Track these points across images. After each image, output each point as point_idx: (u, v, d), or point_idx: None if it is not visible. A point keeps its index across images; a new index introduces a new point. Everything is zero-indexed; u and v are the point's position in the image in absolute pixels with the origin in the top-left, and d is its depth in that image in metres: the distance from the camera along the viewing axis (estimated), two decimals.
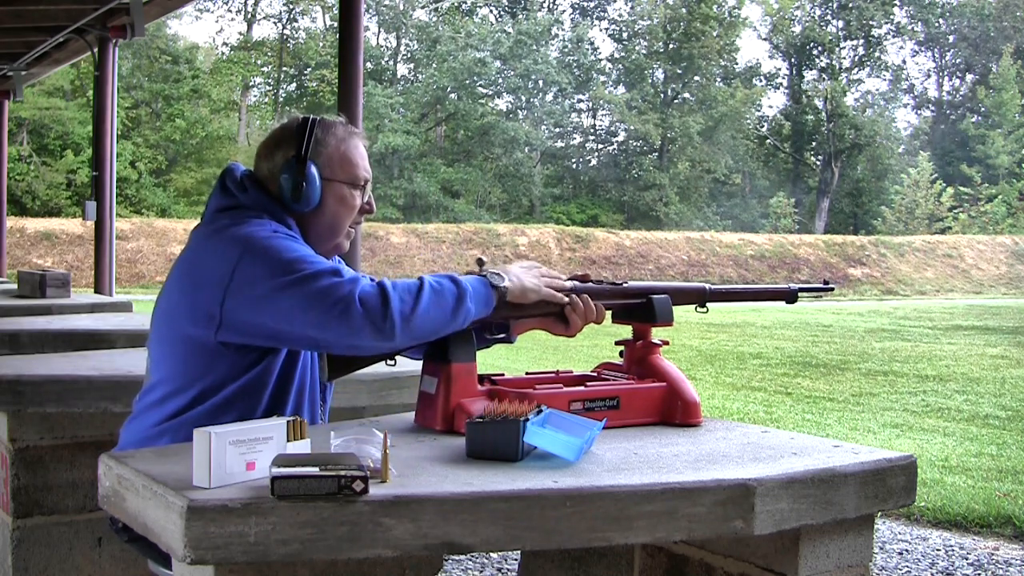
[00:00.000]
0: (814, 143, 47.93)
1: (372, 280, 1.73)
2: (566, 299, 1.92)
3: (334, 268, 1.70)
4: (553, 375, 2.05)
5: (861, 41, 49.04)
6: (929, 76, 51.98)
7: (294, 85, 45.50)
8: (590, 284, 2.02)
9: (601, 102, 44.51)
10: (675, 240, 31.43)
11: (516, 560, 3.19)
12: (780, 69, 50.57)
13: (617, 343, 2.10)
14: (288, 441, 1.47)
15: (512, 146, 40.20)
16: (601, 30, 47.43)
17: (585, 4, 46.23)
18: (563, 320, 1.97)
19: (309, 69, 43.80)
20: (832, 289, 2.32)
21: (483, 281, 1.81)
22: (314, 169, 1.87)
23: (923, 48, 50.76)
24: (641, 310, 2.04)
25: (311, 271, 1.68)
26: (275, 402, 1.85)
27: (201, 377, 1.79)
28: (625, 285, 2.05)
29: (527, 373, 2.06)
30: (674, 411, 1.96)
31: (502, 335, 2.00)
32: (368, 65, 41.11)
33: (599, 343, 11.10)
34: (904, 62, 61.04)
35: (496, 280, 1.83)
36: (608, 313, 2.03)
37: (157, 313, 1.87)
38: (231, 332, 1.74)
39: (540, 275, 1.91)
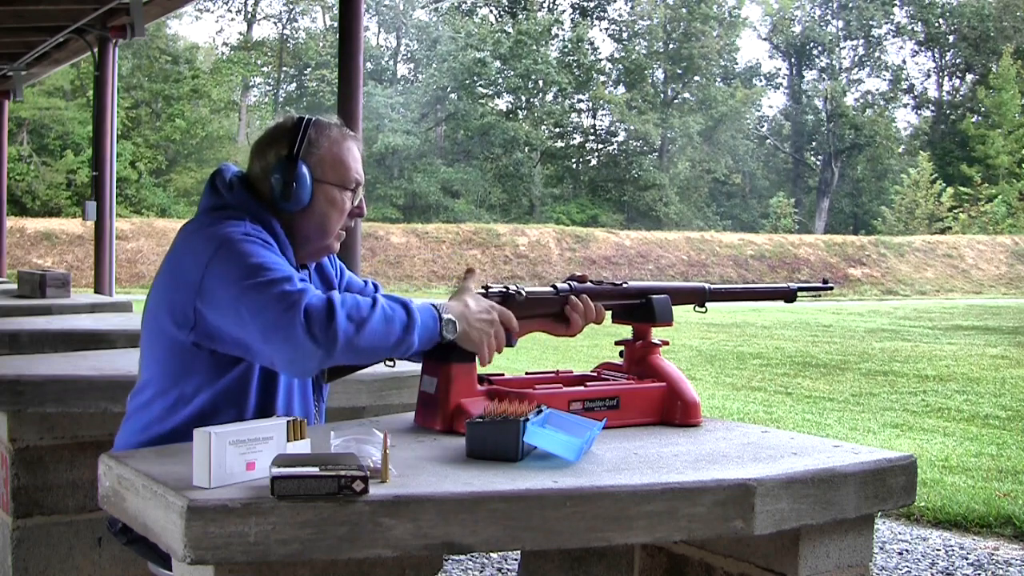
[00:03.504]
0: (814, 143, 47.94)
1: (319, 294, 1.66)
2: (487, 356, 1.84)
3: (288, 275, 1.67)
4: (553, 375, 2.06)
5: (861, 41, 49.07)
6: (929, 76, 51.99)
7: (294, 85, 45.52)
8: (589, 284, 2.02)
9: (601, 102, 44.51)
10: (675, 240, 31.42)
11: (516, 560, 3.19)
12: (780, 69, 50.66)
13: (617, 343, 2.10)
14: (288, 441, 1.47)
15: (512, 146, 40.20)
16: (601, 30, 47.45)
17: (585, 4, 46.22)
18: (563, 320, 1.98)
19: (309, 69, 43.81)
20: (831, 288, 2.32)
21: (435, 318, 1.75)
22: (305, 169, 1.86)
23: (923, 48, 50.74)
24: (641, 310, 2.05)
25: (268, 278, 1.66)
26: (262, 408, 1.84)
27: (181, 379, 1.79)
28: (625, 285, 2.05)
29: (527, 373, 2.06)
30: (674, 411, 1.96)
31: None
32: (368, 65, 41.13)
33: (599, 343, 11.11)
34: (904, 62, 61.03)
35: (448, 331, 1.77)
36: (608, 313, 2.03)
37: (145, 312, 1.87)
38: (203, 336, 1.74)
39: (488, 320, 1.83)
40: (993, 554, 3.90)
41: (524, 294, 1.95)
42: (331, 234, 1.94)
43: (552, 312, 1.98)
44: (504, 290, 1.93)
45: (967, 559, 3.83)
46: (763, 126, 49.88)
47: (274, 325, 1.61)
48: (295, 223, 1.89)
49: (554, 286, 1.99)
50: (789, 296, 2.24)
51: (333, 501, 1.33)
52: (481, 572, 3.44)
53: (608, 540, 1.47)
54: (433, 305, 1.78)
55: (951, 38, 49.54)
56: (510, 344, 2.01)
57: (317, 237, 1.93)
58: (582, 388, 1.92)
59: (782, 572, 1.68)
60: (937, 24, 49.62)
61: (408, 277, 26.35)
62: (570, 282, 2.01)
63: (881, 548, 3.93)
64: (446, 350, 1.83)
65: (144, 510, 1.42)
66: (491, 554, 3.54)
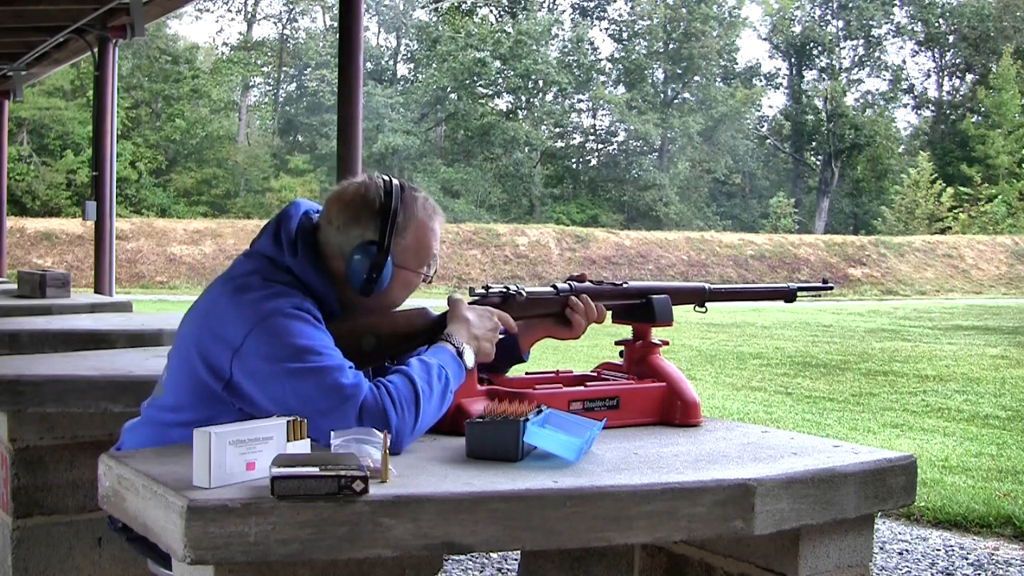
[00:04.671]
0: (814, 143, 47.93)
1: (371, 387, 1.64)
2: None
3: (340, 364, 1.63)
4: (553, 375, 2.06)
5: (861, 41, 49.04)
6: (929, 76, 51.97)
7: (294, 85, 45.53)
8: (589, 284, 2.02)
9: (601, 102, 44.51)
10: (675, 240, 31.42)
11: (516, 560, 3.19)
12: (780, 69, 50.63)
13: (617, 343, 2.10)
14: (288, 441, 1.47)
15: (512, 146, 40.20)
16: (601, 30, 47.47)
17: (585, 4, 46.23)
18: (566, 322, 1.98)
19: (309, 69, 43.82)
20: (831, 288, 2.32)
21: (457, 361, 1.76)
22: (389, 259, 1.78)
23: (923, 48, 50.72)
24: (641, 310, 2.05)
25: (319, 365, 1.61)
26: None
27: (208, 420, 1.70)
28: (625, 285, 2.05)
29: (527, 373, 2.06)
30: (674, 411, 1.96)
31: (515, 354, 2.01)
32: (368, 65, 41.15)
33: (599, 343, 11.09)
34: (904, 62, 61.02)
35: (470, 361, 1.78)
36: (608, 313, 2.03)
37: (181, 331, 1.79)
38: (236, 395, 1.69)
39: (493, 327, 1.86)
40: (993, 554, 3.90)
41: (524, 294, 1.95)
42: (394, 308, 1.88)
43: (553, 312, 1.98)
44: (504, 290, 1.93)
45: (967, 559, 3.83)
46: (763, 126, 49.85)
47: (328, 419, 1.57)
48: (360, 300, 1.81)
49: (554, 286, 1.99)
50: (789, 296, 2.24)
51: (333, 501, 1.33)
52: (481, 572, 3.44)
53: (608, 540, 1.47)
54: (445, 339, 1.77)
55: (951, 38, 49.52)
56: (522, 359, 2.01)
57: (378, 310, 1.86)
58: (582, 388, 1.92)
59: (782, 572, 1.68)
60: (937, 24, 49.60)
61: None
62: (570, 282, 2.02)
63: (881, 548, 3.93)
64: None
65: (144, 510, 1.42)
66: (491, 554, 3.54)
